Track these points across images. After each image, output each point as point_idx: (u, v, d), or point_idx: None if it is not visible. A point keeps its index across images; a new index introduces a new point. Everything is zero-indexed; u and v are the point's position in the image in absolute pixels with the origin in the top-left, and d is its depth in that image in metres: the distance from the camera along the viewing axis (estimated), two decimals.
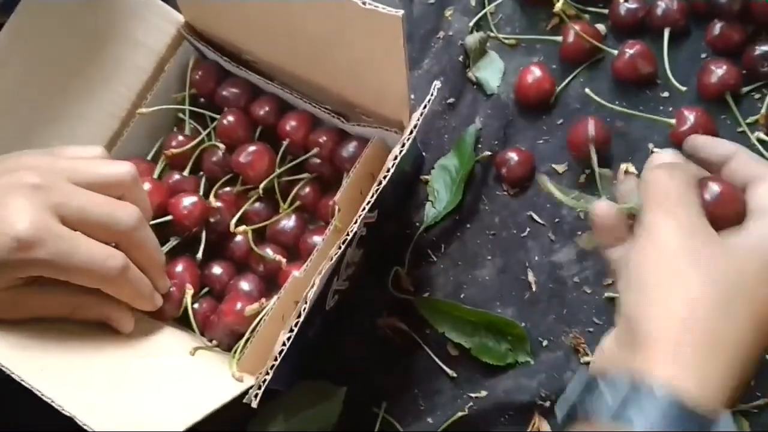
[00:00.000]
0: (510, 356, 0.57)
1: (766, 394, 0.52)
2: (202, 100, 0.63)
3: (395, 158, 0.48)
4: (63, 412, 0.39)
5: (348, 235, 0.47)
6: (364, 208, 0.47)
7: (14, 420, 0.55)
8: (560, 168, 0.61)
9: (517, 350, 0.57)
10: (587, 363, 0.55)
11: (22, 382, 0.40)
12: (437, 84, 0.50)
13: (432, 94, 0.49)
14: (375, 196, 0.48)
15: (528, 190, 0.61)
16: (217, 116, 0.61)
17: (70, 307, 0.47)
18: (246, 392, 0.46)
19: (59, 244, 0.43)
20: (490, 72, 0.65)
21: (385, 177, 0.48)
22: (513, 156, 0.61)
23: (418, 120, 0.48)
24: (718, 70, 0.57)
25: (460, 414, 0.56)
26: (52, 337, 0.46)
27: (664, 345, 0.36)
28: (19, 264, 0.42)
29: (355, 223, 0.47)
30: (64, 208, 0.44)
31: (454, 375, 0.58)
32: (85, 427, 0.38)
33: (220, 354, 0.53)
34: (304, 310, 0.45)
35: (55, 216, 0.44)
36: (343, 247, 0.47)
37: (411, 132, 0.48)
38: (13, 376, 0.40)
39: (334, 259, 0.47)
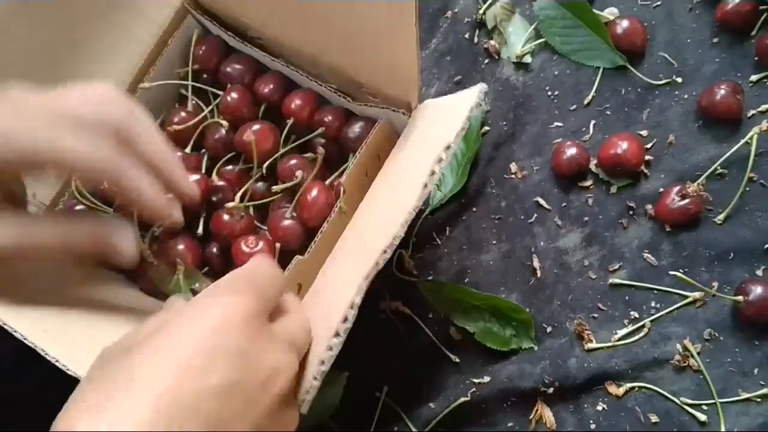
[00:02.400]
0: (514, 342, 0.56)
1: None
2: (205, 76, 0.62)
3: (448, 147, 0.43)
4: (67, 371, 0.39)
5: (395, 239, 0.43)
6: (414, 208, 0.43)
7: None
8: None
9: (521, 336, 0.56)
10: (591, 350, 0.55)
11: (25, 341, 0.40)
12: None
13: None
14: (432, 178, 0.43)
15: (537, 174, 0.60)
16: (221, 93, 0.59)
17: (63, 232, 0.44)
18: None
19: (38, 132, 0.40)
20: (515, 36, 0.64)
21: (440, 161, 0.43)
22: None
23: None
24: None
25: (462, 399, 0.55)
26: (56, 302, 0.45)
27: None
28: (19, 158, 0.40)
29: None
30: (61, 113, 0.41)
31: (457, 360, 0.57)
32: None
33: None
34: (352, 316, 0.42)
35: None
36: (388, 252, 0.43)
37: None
38: (15, 334, 0.40)
39: (380, 264, 0.42)
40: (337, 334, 0.40)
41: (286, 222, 0.54)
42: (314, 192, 0.53)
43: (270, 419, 0.36)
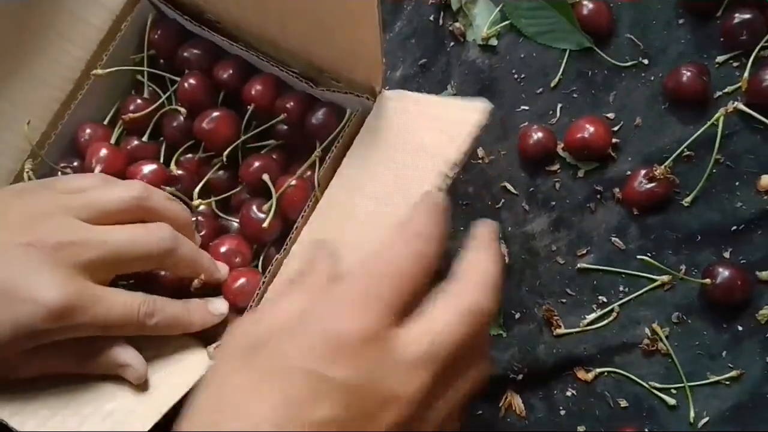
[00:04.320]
0: None
1: (738, 365, 0.51)
2: (161, 61, 0.60)
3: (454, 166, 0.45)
4: None
5: None
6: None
7: None
8: None
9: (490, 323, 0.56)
10: (560, 335, 0.55)
11: None
12: None
13: None
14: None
15: (503, 158, 0.60)
16: (178, 79, 0.58)
17: (78, 358, 0.45)
18: None
19: (95, 307, 0.42)
20: (480, 18, 0.63)
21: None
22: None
23: None
24: None
25: None
26: None
27: None
28: (55, 332, 0.41)
29: None
30: (92, 264, 0.42)
31: None
32: None
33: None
34: None
35: (86, 274, 0.42)
36: None
37: None
38: None
39: None
40: None
41: (261, 215, 0.52)
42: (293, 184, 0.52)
43: None
